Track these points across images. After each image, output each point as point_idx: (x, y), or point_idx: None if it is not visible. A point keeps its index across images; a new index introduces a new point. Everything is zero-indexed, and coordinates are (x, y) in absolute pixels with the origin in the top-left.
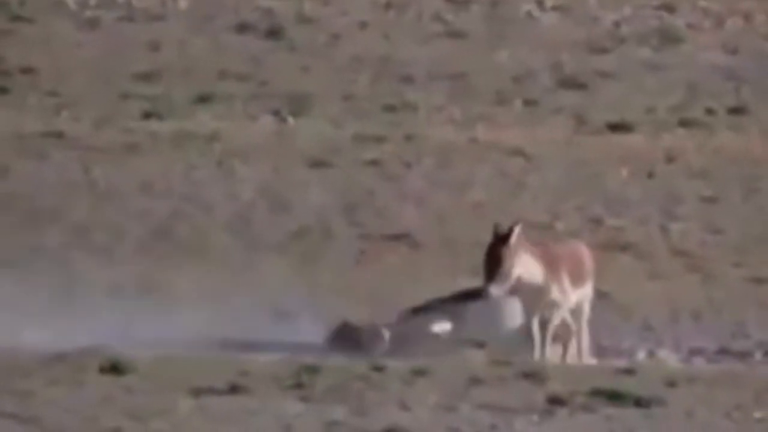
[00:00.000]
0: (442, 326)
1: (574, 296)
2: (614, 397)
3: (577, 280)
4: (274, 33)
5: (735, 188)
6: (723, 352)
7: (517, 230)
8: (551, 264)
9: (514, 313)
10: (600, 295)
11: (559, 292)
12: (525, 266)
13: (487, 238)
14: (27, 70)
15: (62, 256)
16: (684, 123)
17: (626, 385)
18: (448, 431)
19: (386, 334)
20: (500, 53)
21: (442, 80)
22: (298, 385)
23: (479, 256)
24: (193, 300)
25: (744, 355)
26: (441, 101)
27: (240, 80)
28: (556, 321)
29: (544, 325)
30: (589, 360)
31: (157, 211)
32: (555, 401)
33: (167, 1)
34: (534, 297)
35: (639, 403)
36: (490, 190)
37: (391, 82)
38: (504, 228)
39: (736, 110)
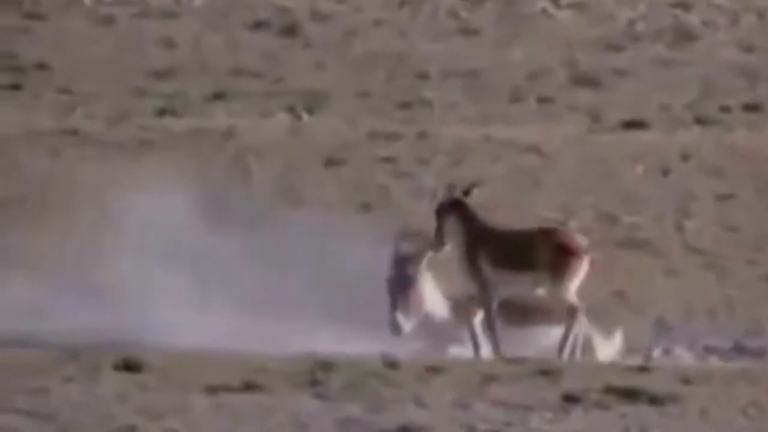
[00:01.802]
0: None
1: (505, 283)
2: (629, 394)
3: (515, 264)
4: (289, 30)
5: (750, 186)
6: (738, 349)
7: (454, 194)
8: (478, 238)
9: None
10: (615, 293)
11: (470, 268)
12: (451, 231)
13: None
14: (41, 67)
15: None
16: (699, 120)
17: (641, 382)
18: (462, 429)
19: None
20: (515, 51)
21: (457, 77)
22: (313, 383)
23: None
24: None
25: (759, 353)
26: (456, 98)
27: (255, 77)
28: (477, 305)
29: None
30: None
31: None
32: (570, 399)
33: None
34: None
35: (654, 400)
36: (504, 187)
37: (405, 80)
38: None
39: (752, 107)
